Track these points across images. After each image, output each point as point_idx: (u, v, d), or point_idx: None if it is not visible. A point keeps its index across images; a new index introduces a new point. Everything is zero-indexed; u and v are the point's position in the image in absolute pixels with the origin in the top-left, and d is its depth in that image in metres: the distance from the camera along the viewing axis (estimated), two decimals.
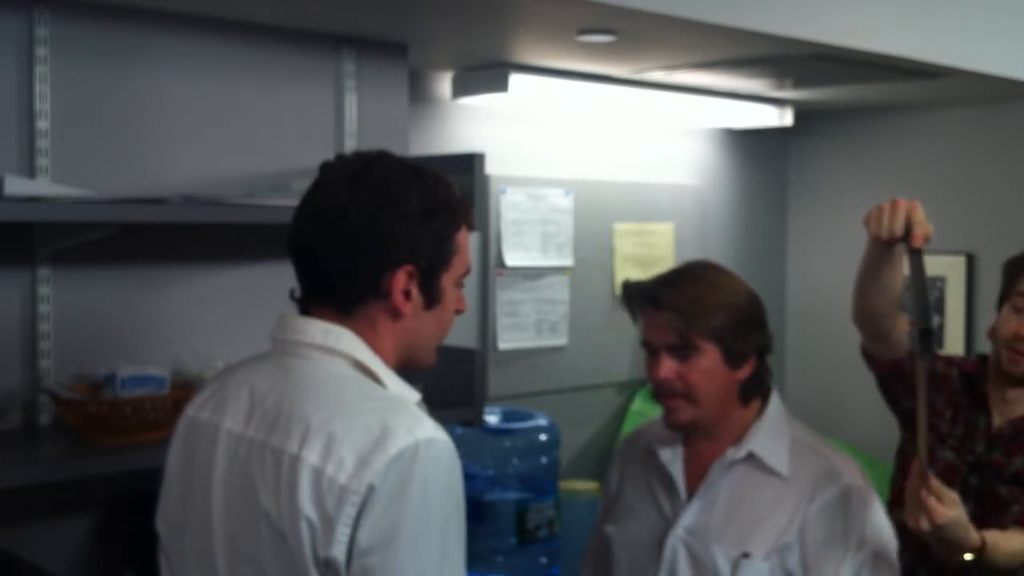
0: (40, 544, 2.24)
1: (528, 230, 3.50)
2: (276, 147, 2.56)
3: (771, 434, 1.94)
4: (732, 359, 1.90)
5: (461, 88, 3.25)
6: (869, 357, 2.31)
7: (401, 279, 1.45)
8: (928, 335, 1.84)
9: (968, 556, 1.87)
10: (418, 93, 3.16)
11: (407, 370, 1.52)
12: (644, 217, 3.86)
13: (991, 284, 3.97)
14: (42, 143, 2.21)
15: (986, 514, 2.10)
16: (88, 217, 2.04)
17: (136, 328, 2.37)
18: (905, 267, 1.96)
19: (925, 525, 1.81)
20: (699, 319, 1.87)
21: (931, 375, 2.21)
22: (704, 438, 1.97)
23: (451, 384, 2.47)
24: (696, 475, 1.96)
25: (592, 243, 3.70)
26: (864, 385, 3.48)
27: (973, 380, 2.27)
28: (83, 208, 2.01)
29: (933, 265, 4.03)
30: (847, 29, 2.71)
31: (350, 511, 1.30)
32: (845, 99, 3.92)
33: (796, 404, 3.91)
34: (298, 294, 1.52)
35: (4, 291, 2.20)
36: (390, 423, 1.34)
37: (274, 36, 2.54)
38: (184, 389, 2.19)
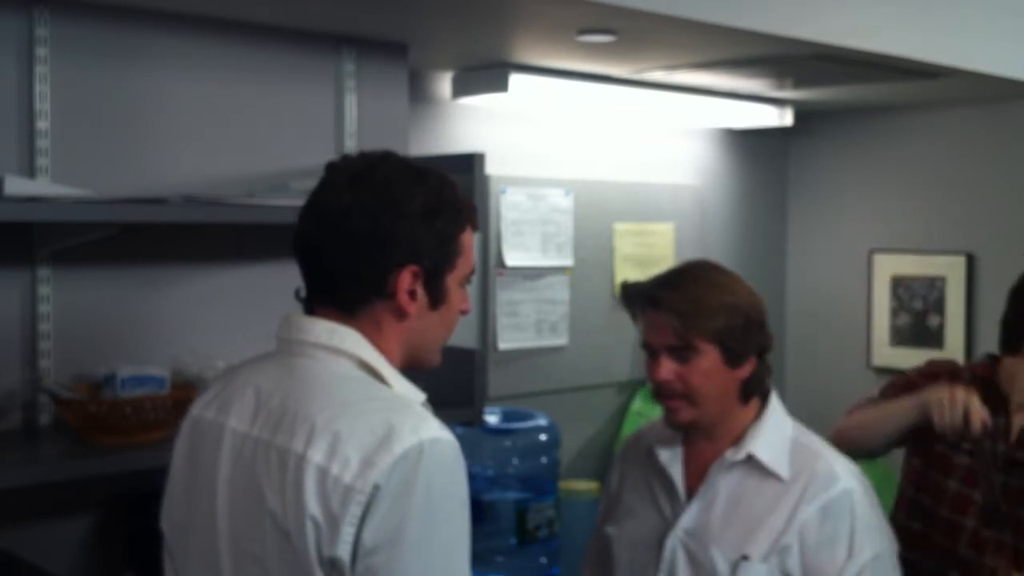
0: (40, 544, 2.23)
1: (528, 230, 3.50)
2: (276, 147, 2.56)
3: (770, 436, 1.93)
4: (732, 359, 1.89)
5: (461, 88, 3.25)
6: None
7: (406, 279, 1.45)
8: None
9: None
10: (418, 93, 3.16)
11: (412, 370, 1.52)
12: (644, 217, 3.86)
13: (991, 284, 3.99)
14: (42, 143, 2.21)
15: (1016, 510, 2.13)
16: (88, 217, 2.04)
17: (136, 328, 2.37)
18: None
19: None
20: (699, 320, 1.86)
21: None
22: (704, 438, 1.97)
23: (451, 384, 2.47)
24: (696, 476, 1.96)
25: (592, 243, 3.70)
26: (863, 385, 3.49)
27: (987, 383, 2.27)
28: (83, 208, 2.01)
29: (933, 265, 4.06)
30: (847, 29, 2.71)
31: (355, 511, 1.30)
32: (845, 99, 3.93)
33: (796, 404, 3.90)
34: (303, 294, 1.52)
35: (4, 291, 2.20)
36: (395, 423, 1.34)
37: (274, 36, 2.54)
38: (184, 389, 2.19)
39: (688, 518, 1.93)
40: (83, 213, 2.02)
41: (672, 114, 3.70)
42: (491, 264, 3.42)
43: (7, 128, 2.18)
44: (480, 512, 3.05)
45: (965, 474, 2.24)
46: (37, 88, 2.21)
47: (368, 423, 1.35)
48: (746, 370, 1.92)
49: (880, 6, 2.78)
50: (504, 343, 3.45)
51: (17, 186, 1.97)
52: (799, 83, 3.50)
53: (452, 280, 1.51)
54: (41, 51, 2.21)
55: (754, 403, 1.97)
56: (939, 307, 4.03)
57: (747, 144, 4.28)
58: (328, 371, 1.44)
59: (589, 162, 3.73)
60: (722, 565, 1.86)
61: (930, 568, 2.26)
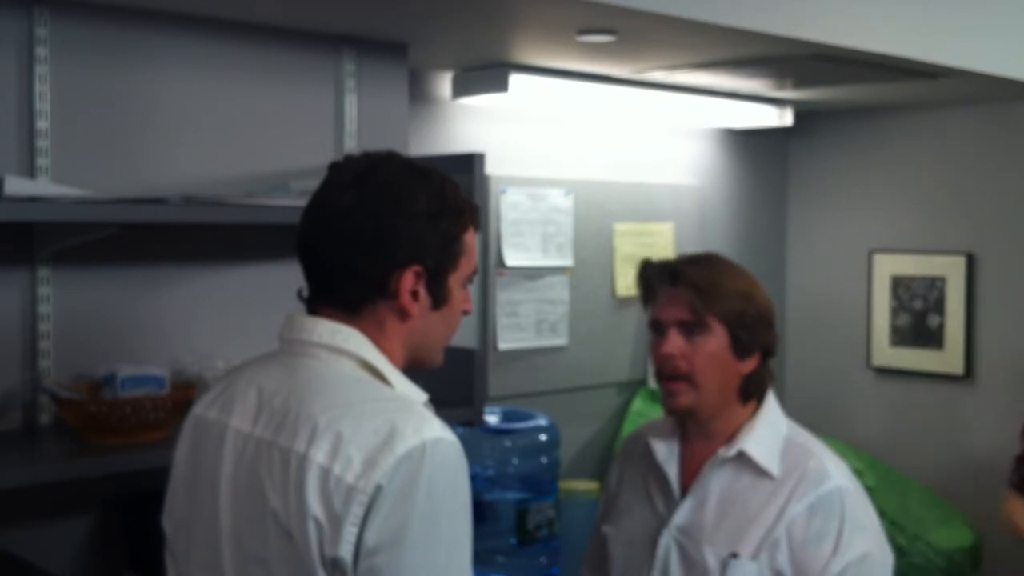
0: (40, 544, 2.23)
1: (528, 230, 3.50)
2: (276, 147, 2.56)
3: (764, 434, 1.94)
4: (738, 349, 1.91)
5: (461, 88, 3.25)
6: None
7: (408, 279, 1.45)
8: None
9: None
10: (418, 93, 3.16)
11: (414, 370, 1.53)
12: (644, 217, 3.86)
13: (991, 284, 3.99)
14: (42, 143, 2.21)
15: None
16: (88, 217, 2.04)
17: (136, 328, 2.37)
18: None
19: None
20: (715, 299, 1.89)
21: None
22: (701, 436, 1.97)
23: (451, 384, 2.47)
24: (691, 474, 1.97)
25: (592, 243, 3.70)
26: (863, 385, 3.49)
27: None
28: (83, 208, 2.01)
29: (933, 265, 4.06)
30: (847, 29, 2.71)
31: (357, 511, 1.30)
32: (845, 99, 3.93)
33: (795, 404, 3.91)
34: (305, 294, 1.52)
35: (4, 291, 2.20)
36: (398, 423, 1.34)
37: (274, 36, 2.54)
38: (184, 389, 2.19)
39: (681, 516, 1.93)
40: (83, 213, 2.01)
41: (672, 114, 3.70)
42: (491, 264, 3.42)
43: (7, 128, 2.18)
44: (480, 512, 3.05)
45: None
46: (37, 88, 2.21)
47: (371, 423, 1.35)
48: (749, 365, 1.94)
49: (880, 6, 2.79)
50: (504, 343, 3.45)
51: (17, 186, 1.97)
52: (799, 83, 3.50)
53: (454, 280, 1.51)
54: (41, 51, 2.21)
55: (752, 405, 1.97)
56: (939, 307, 4.03)
57: (747, 144, 4.28)
58: (331, 371, 1.44)
59: (589, 162, 3.73)
60: (713, 563, 1.87)
61: None
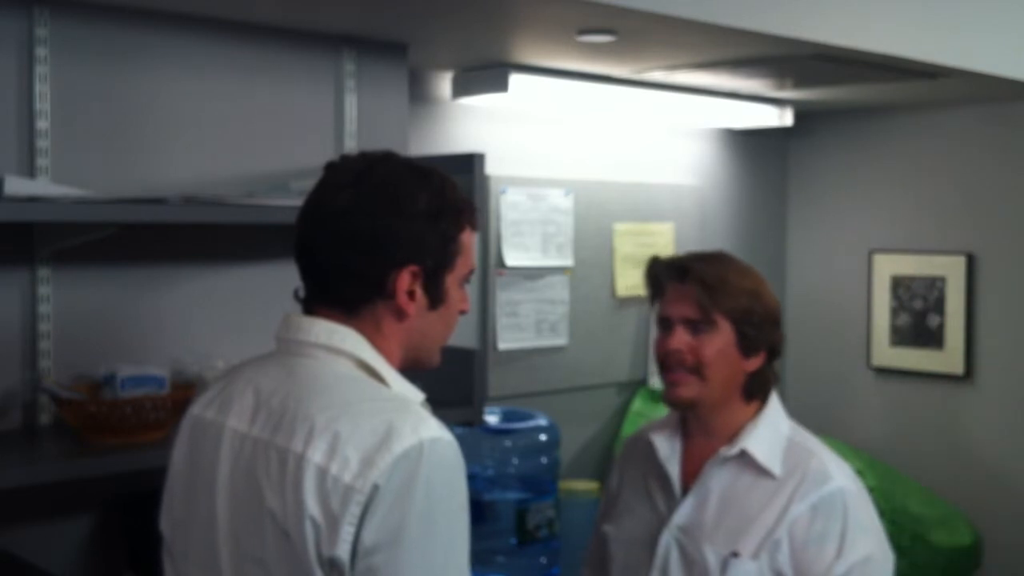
0: (40, 544, 2.23)
1: (528, 230, 3.50)
2: (276, 147, 2.56)
3: (766, 433, 1.94)
4: (745, 346, 1.92)
5: (461, 88, 3.24)
6: None
7: (406, 279, 1.45)
8: None
9: None
10: (418, 93, 3.16)
11: (411, 370, 1.52)
12: (644, 217, 3.86)
13: (991, 284, 3.99)
14: (42, 143, 2.21)
15: None
16: (88, 217, 2.04)
17: (136, 328, 2.37)
18: None
19: None
20: (723, 296, 1.91)
21: None
22: (702, 434, 1.97)
23: (451, 384, 2.47)
24: (693, 473, 1.97)
25: (592, 243, 3.70)
26: (863, 385, 3.48)
27: None
28: (83, 208, 2.01)
29: (933, 265, 4.06)
30: (847, 29, 2.71)
31: (355, 510, 1.30)
32: (845, 99, 3.92)
33: (795, 403, 3.91)
34: (302, 294, 1.52)
35: (4, 291, 2.20)
36: (395, 423, 1.34)
37: (274, 36, 2.54)
38: (184, 389, 2.19)
39: (682, 515, 1.93)
40: (83, 213, 2.02)
41: (672, 114, 3.70)
42: (491, 264, 3.42)
43: (7, 128, 2.18)
44: (480, 512, 3.05)
45: None
46: (37, 88, 2.21)
47: (368, 423, 1.35)
48: (754, 363, 1.95)
49: (880, 6, 2.78)
50: (504, 343, 3.45)
51: (17, 186, 1.97)
52: (799, 83, 3.50)
53: (452, 280, 1.51)
54: (41, 51, 2.21)
55: (755, 404, 1.98)
56: (939, 307, 4.03)
57: (747, 144, 4.28)
58: (328, 371, 1.44)
59: (589, 162, 3.73)
60: (713, 562, 1.87)
61: None
